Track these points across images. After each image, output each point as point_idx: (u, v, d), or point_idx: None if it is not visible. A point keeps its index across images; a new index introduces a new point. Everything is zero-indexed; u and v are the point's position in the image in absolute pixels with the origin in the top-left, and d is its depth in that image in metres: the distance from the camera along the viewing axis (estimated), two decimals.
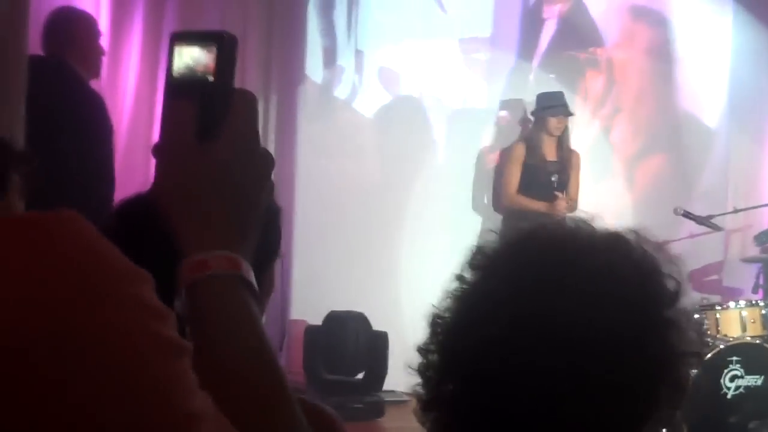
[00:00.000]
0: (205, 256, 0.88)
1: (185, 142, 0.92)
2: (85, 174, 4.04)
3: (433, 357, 1.11)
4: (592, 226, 1.12)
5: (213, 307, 0.87)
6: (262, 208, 0.96)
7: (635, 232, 1.12)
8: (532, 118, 6.79)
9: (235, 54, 0.95)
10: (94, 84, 4.67)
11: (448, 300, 1.12)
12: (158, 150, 0.94)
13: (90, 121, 4.30)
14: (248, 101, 0.95)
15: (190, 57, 0.94)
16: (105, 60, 4.99)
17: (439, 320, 1.12)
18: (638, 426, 1.03)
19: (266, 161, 0.96)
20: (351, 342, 6.13)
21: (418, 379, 1.14)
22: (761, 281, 6.22)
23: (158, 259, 0.90)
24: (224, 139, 0.92)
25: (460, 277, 1.12)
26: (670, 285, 1.08)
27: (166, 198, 0.92)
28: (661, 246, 1.12)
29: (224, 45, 0.95)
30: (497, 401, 1.01)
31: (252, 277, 0.91)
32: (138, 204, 1.20)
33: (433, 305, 1.13)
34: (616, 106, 7.57)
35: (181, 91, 0.94)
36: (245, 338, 0.88)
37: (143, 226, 0.94)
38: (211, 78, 0.94)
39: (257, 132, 0.95)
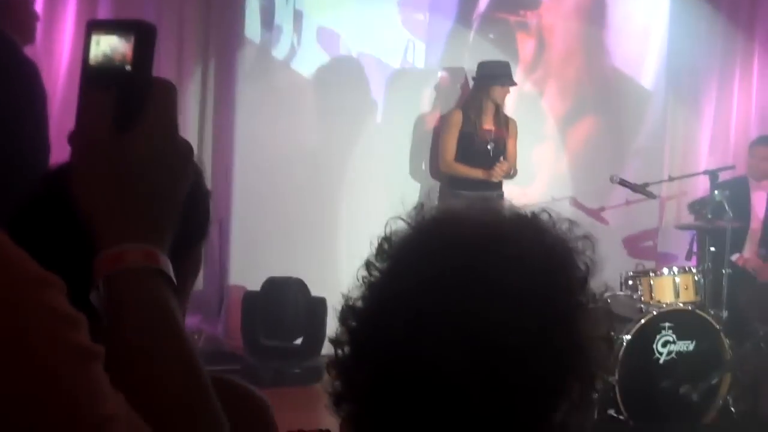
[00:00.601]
0: (121, 249, 0.87)
1: (101, 132, 0.89)
2: (18, 141, 3.94)
3: (346, 348, 1.08)
4: (502, 211, 1.09)
5: (129, 301, 0.86)
6: (181, 200, 0.94)
7: (546, 211, 1.09)
8: (471, 84, 6.81)
9: (154, 43, 0.93)
10: (28, 50, 4.56)
11: (359, 289, 1.09)
12: (74, 139, 0.91)
13: (23, 88, 4.19)
14: (166, 91, 0.93)
15: (107, 45, 0.92)
16: (39, 26, 4.87)
17: (350, 310, 1.09)
18: (549, 416, 1.02)
19: (185, 152, 0.94)
20: (290, 307, 6.13)
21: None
22: (695, 248, 6.33)
23: (81, 234, 0.88)
24: (141, 129, 0.90)
25: (368, 265, 1.10)
26: (581, 267, 1.06)
27: (81, 189, 0.90)
28: (573, 223, 1.09)
29: (142, 34, 0.92)
30: (405, 395, 0.99)
31: (170, 270, 0.89)
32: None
33: (344, 294, 1.10)
34: (547, 69, 7.61)
35: (98, 80, 0.92)
36: (161, 332, 0.86)
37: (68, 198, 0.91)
38: (128, 67, 0.92)
39: (176, 122, 0.93)
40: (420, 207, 1.14)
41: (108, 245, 0.87)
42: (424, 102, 7.27)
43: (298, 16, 6.92)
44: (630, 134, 7.83)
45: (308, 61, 6.97)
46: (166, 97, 0.92)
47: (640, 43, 7.87)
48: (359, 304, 1.08)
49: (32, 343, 0.68)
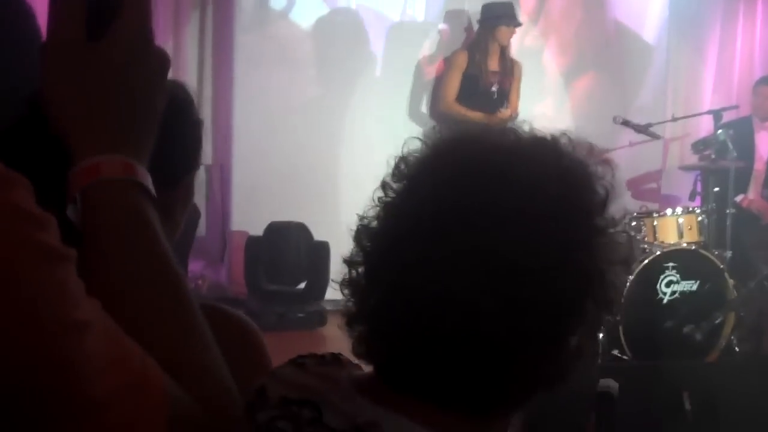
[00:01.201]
0: (97, 160, 0.83)
1: (74, 40, 0.86)
2: (9, 78, 3.92)
3: (360, 269, 1.07)
4: (519, 133, 1.06)
5: (106, 211, 0.83)
6: (159, 111, 0.91)
7: (565, 134, 1.07)
8: (475, 27, 6.74)
9: None
10: None
11: (374, 210, 1.07)
12: (45, 49, 0.88)
13: (15, 24, 4.17)
14: None
15: None
16: None
17: (365, 230, 1.07)
18: (564, 339, 1.01)
19: (160, 61, 0.91)
20: (292, 252, 6.12)
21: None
22: (698, 188, 6.31)
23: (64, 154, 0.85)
24: (115, 37, 0.87)
25: (384, 186, 1.07)
26: (600, 191, 1.03)
27: (55, 99, 0.86)
28: (591, 147, 1.07)
29: None
30: (418, 317, 0.98)
31: (149, 182, 0.86)
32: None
33: (359, 215, 1.08)
34: (549, 22, 7.53)
35: None
36: (140, 242, 0.83)
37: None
38: None
39: (151, 31, 0.90)
40: (437, 128, 1.13)
41: (83, 157, 0.84)
42: (424, 55, 7.19)
43: None
44: (634, 88, 7.78)
45: (307, 13, 6.90)
46: (139, 4, 0.89)
47: None
48: (374, 224, 1.07)
49: None
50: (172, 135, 0.94)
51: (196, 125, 1.22)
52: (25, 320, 0.63)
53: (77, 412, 0.63)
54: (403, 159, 1.08)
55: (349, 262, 1.08)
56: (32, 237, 0.66)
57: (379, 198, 1.07)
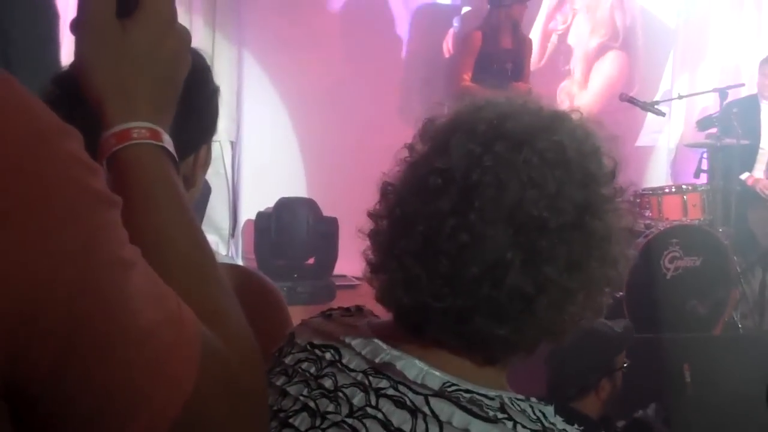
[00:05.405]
0: (126, 126, 0.92)
1: (105, 18, 0.94)
2: (30, 38, 3.94)
3: (384, 222, 1.16)
4: (540, 104, 1.16)
5: (135, 171, 0.91)
6: (180, 83, 0.99)
7: (578, 111, 1.17)
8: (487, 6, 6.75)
9: None
10: None
11: (398, 168, 1.17)
12: (77, 26, 0.95)
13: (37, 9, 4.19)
14: None
15: None
16: None
17: (389, 187, 1.17)
18: (572, 293, 1.10)
19: (183, 37, 0.99)
20: (301, 228, 6.18)
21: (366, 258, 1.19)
22: (703, 166, 6.32)
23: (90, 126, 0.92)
24: (143, 15, 0.94)
25: (410, 147, 1.17)
26: (608, 163, 1.14)
27: (88, 73, 0.94)
28: (601, 124, 1.17)
29: None
30: (444, 268, 1.07)
31: (172, 147, 0.94)
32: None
33: (384, 173, 1.18)
34: (572, 5, 7.56)
35: None
36: (166, 201, 0.91)
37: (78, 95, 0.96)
38: None
39: (174, 9, 0.98)
40: (460, 95, 1.21)
41: (115, 124, 0.92)
42: (449, 38, 7.21)
43: None
44: (653, 72, 7.80)
45: None
46: None
47: None
48: (399, 181, 1.16)
49: (53, 185, 0.69)
50: (191, 103, 1.01)
51: (213, 93, 1.30)
52: (84, 257, 0.69)
53: (124, 341, 0.70)
54: (429, 121, 1.18)
55: (374, 216, 1.17)
56: (88, 183, 0.72)
57: (404, 158, 1.17)
